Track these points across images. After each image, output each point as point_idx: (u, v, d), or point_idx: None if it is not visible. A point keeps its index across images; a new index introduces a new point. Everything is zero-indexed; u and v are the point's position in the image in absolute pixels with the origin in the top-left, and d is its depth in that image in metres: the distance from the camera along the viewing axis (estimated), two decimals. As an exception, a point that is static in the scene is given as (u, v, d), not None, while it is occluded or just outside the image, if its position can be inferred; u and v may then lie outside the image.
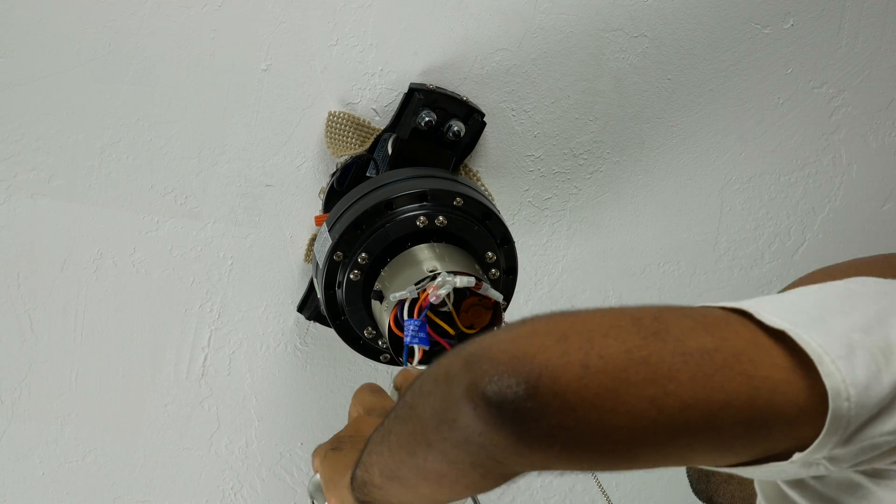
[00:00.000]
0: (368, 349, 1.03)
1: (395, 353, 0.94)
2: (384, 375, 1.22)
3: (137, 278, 1.13)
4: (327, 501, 0.75)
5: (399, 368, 0.92)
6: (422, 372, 0.60)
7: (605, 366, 0.52)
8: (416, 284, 0.90)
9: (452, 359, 0.55)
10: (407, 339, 0.90)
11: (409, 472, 0.60)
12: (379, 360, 1.04)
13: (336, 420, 1.23)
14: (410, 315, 0.90)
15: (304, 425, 1.23)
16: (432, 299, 0.88)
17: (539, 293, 1.22)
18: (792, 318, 0.57)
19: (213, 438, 1.22)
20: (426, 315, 0.90)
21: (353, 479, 0.68)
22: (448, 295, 0.90)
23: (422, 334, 0.90)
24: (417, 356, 0.91)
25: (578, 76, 1.11)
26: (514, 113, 1.11)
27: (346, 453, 0.74)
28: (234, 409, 1.21)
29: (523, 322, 0.55)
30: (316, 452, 0.78)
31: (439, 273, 0.90)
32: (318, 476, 0.77)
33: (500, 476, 0.57)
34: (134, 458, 1.21)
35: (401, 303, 0.90)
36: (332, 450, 0.76)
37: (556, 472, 0.56)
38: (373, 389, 0.83)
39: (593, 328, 0.54)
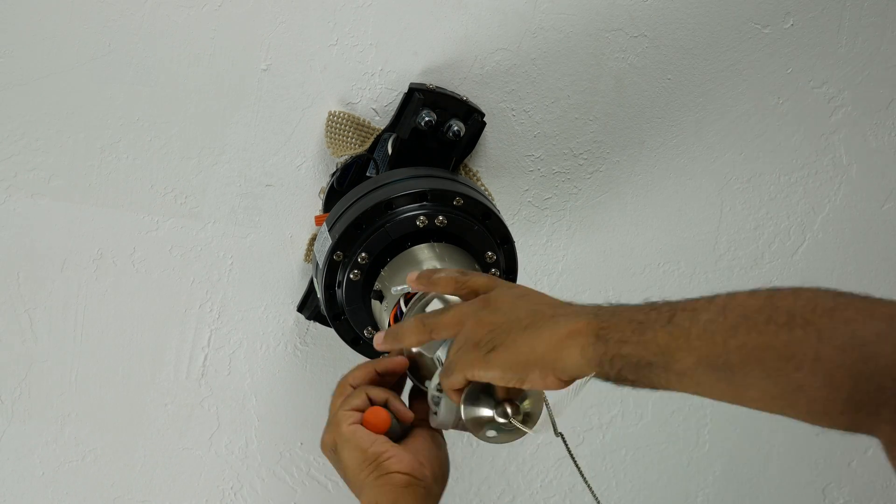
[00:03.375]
0: (368, 349, 1.03)
1: (395, 352, 0.94)
2: (384, 375, 1.22)
3: (137, 278, 1.13)
4: (527, 378, 0.72)
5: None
6: (816, 291, 0.60)
7: None
8: None
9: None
10: None
11: (759, 372, 0.60)
12: (379, 360, 1.04)
13: (336, 420, 1.23)
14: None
15: (304, 425, 1.23)
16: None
17: (539, 293, 1.22)
18: None
19: (213, 438, 1.22)
20: None
21: (606, 351, 0.67)
22: None
23: None
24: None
25: (578, 76, 1.11)
26: (514, 113, 1.11)
27: (512, 339, 0.72)
28: (234, 409, 1.21)
29: None
30: (465, 365, 0.75)
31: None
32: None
33: (854, 423, 0.58)
34: (134, 458, 1.21)
35: (402, 298, 0.90)
36: (491, 351, 0.73)
37: (889, 456, 0.57)
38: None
39: None
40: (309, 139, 1.09)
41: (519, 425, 0.77)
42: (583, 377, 0.70)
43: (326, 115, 1.08)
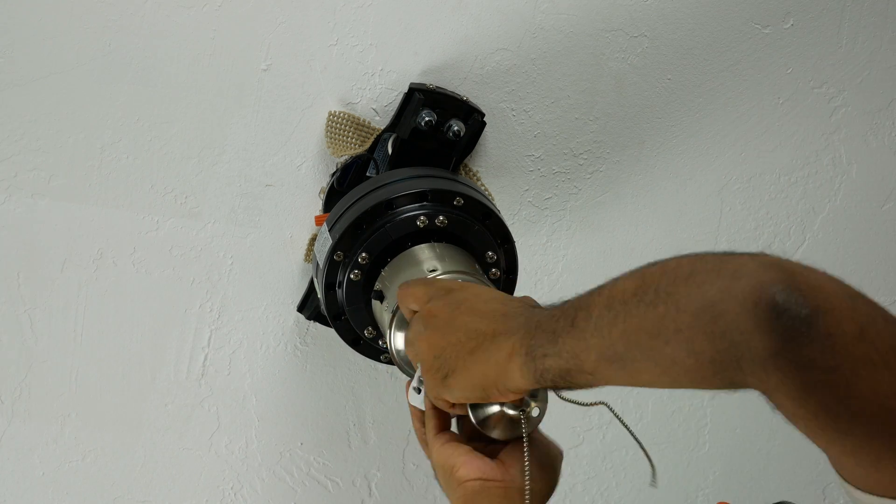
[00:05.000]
0: (368, 349, 1.03)
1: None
2: (384, 375, 1.22)
3: (137, 278, 1.13)
4: (489, 397, 0.74)
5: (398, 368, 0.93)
6: (679, 260, 0.62)
7: (886, 334, 0.55)
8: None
9: (743, 259, 0.58)
10: None
11: (640, 354, 0.61)
12: (379, 360, 1.04)
13: (336, 420, 1.23)
14: None
15: (304, 425, 1.23)
16: None
17: (539, 293, 1.22)
18: None
19: (213, 438, 1.22)
20: None
21: (536, 368, 0.69)
22: None
23: None
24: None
25: (578, 76, 1.11)
26: (514, 113, 1.11)
27: (461, 366, 0.75)
28: (234, 409, 1.21)
29: (816, 269, 0.58)
30: (435, 396, 0.78)
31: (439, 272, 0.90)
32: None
33: (729, 381, 0.58)
34: (134, 458, 1.21)
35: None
36: (446, 377, 0.76)
37: (772, 406, 0.58)
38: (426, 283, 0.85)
39: (878, 305, 0.56)
40: (309, 139, 1.09)
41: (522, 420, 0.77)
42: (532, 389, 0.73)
43: (326, 115, 1.08)
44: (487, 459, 0.79)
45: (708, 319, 0.57)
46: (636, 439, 0.79)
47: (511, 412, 0.77)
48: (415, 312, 0.83)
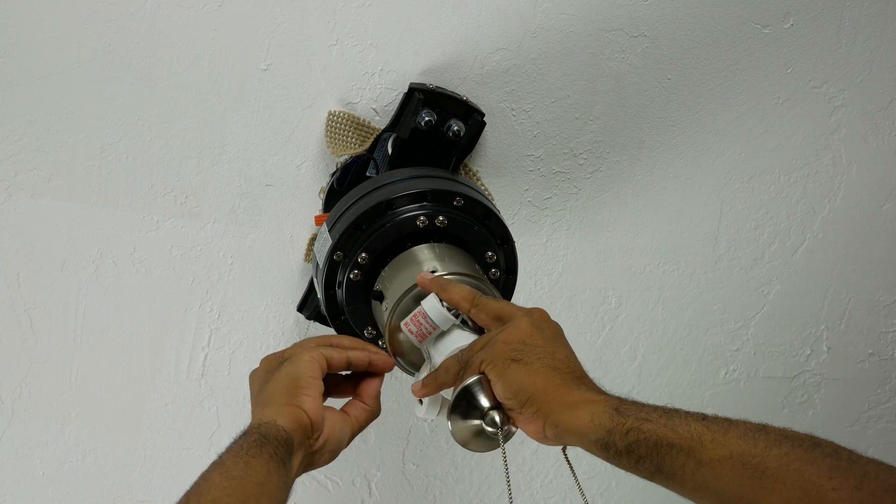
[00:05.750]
0: (368, 349, 1.03)
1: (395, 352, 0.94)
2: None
3: (137, 278, 1.13)
4: (521, 409, 0.75)
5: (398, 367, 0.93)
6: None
7: None
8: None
9: None
10: None
11: (792, 481, 0.62)
12: (379, 360, 1.04)
13: (336, 420, 1.23)
14: None
15: (304, 425, 1.23)
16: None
17: (539, 292, 1.22)
18: None
19: (213, 438, 1.22)
20: None
21: (619, 423, 0.70)
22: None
23: None
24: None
25: (578, 76, 1.11)
26: (514, 113, 1.11)
27: (535, 367, 0.76)
28: (234, 409, 1.21)
29: None
30: (486, 360, 0.78)
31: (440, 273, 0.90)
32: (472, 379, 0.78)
33: None
34: (134, 458, 1.21)
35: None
36: (514, 361, 0.76)
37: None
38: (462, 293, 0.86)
39: None
40: (309, 139, 1.09)
41: (500, 434, 0.77)
42: (571, 442, 0.73)
43: (326, 115, 1.08)
44: (324, 413, 0.80)
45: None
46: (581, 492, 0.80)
47: (489, 429, 0.77)
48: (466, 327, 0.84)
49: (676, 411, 0.70)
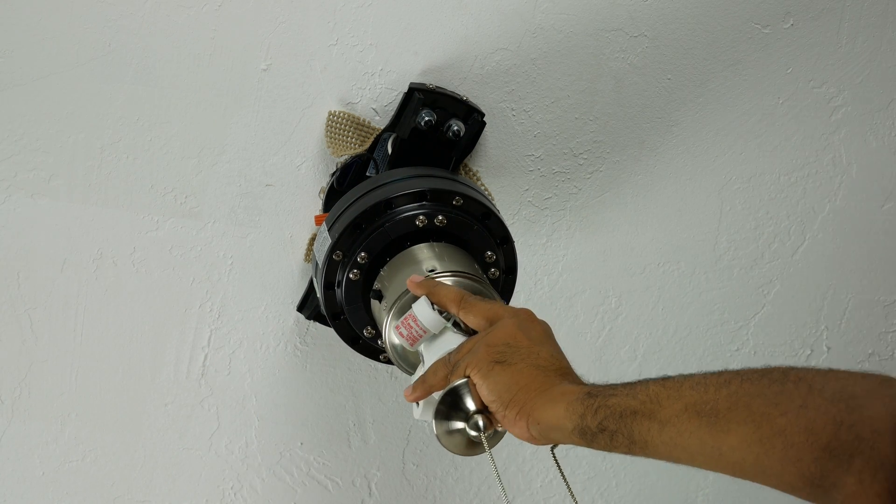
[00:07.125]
0: (367, 349, 1.03)
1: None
2: (384, 375, 1.22)
3: (137, 278, 1.13)
4: (505, 412, 0.74)
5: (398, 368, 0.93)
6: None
7: None
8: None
9: None
10: None
11: (744, 416, 0.61)
12: (378, 360, 1.04)
13: (336, 419, 1.23)
14: None
15: (304, 425, 1.23)
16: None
17: (539, 292, 1.22)
18: None
19: (213, 438, 1.22)
20: None
21: (590, 406, 0.69)
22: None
23: None
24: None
25: (578, 76, 1.11)
26: (514, 113, 1.11)
27: (519, 367, 0.76)
28: (234, 409, 1.21)
29: None
30: (470, 364, 0.77)
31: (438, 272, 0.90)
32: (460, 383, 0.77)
33: (822, 475, 0.58)
34: (134, 458, 1.21)
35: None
36: (498, 363, 0.76)
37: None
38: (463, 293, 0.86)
39: None
40: (309, 139, 1.09)
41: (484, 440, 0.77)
42: (555, 438, 0.73)
43: (326, 115, 1.08)
44: None
45: (843, 407, 0.57)
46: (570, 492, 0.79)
47: (472, 433, 0.77)
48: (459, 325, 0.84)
49: (643, 381, 0.69)
